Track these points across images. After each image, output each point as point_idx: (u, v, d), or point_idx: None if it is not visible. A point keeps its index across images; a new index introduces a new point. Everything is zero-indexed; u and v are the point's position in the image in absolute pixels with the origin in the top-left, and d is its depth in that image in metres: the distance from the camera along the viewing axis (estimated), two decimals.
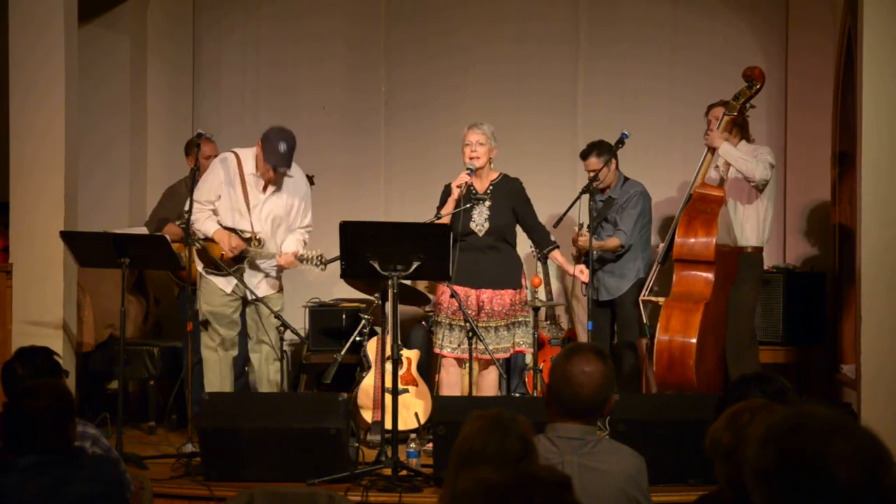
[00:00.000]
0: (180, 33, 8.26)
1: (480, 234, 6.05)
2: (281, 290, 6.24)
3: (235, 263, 6.03)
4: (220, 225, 6.06)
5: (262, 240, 6.03)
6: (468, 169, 5.98)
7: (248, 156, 6.07)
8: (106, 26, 7.89)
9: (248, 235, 6.03)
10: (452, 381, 6.12)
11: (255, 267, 6.09)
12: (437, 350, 6.15)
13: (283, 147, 5.89)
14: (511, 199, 6.11)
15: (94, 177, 7.62)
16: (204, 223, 6.04)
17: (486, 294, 6.03)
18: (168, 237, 5.97)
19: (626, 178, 6.80)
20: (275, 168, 5.94)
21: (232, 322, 6.17)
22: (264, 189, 6.06)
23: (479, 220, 6.06)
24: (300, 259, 5.97)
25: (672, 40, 8.00)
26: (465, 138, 6.06)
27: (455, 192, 5.95)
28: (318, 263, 5.95)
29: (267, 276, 6.16)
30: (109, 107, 7.90)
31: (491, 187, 6.10)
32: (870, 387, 5.87)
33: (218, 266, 6.01)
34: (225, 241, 5.98)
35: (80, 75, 6.70)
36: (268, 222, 6.07)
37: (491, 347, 5.87)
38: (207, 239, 6.04)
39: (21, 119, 6.43)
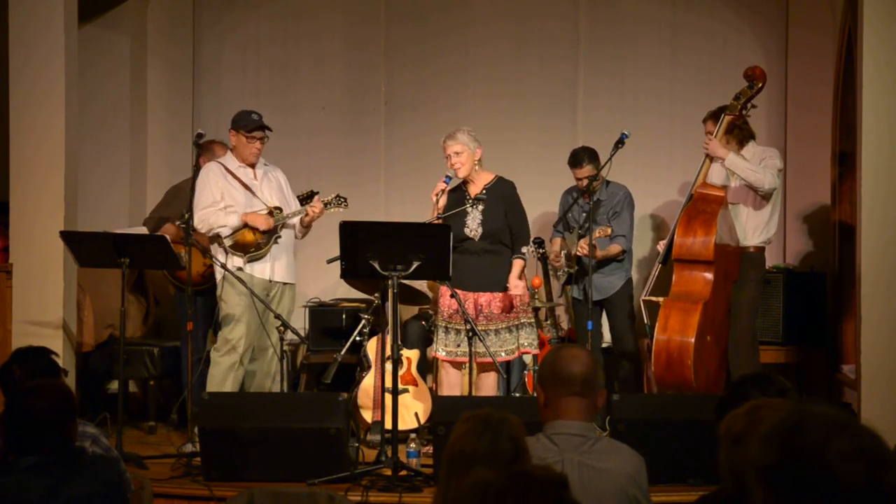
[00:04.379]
0: (180, 33, 8.25)
1: (476, 239, 6.03)
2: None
3: (270, 237, 6.14)
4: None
5: (280, 208, 6.22)
6: (446, 177, 5.97)
7: (227, 157, 6.27)
8: (106, 26, 7.89)
9: (266, 210, 6.17)
10: (452, 382, 6.11)
11: (285, 227, 6.23)
12: (431, 353, 6.14)
13: (254, 114, 6.18)
14: (504, 202, 6.09)
15: (94, 177, 7.62)
16: (225, 217, 6.09)
17: (484, 297, 6.00)
18: (168, 237, 5.98)
19: (608, 181, 6.80)
20: (262, 129, 6.15)
21: (251, 319, 6.05)
22: (255, 177, 6.24)
23: (473, 225, 6.04)
24: (326, 204, 6.24)
25: (672, 40, 7.99)
26: (444, 151, 6.05)
27: (434, 199, 5.92)
28: (341, 202, 6.27)
29: (288, 263, 6.26)
30: (109, 107, 7.90)
31: (485, 190, 6.08)
32: (870, 387, 5.87)
33: (258, 246, 6.10)
34: (259, 219, 6.10)
35: (80, 76, 6.70)
36: (273, 199, 6.24)
37: (493, 350, 5.86)
38: (235, 231, 6.09)
39: (21, 119, 6.44)
